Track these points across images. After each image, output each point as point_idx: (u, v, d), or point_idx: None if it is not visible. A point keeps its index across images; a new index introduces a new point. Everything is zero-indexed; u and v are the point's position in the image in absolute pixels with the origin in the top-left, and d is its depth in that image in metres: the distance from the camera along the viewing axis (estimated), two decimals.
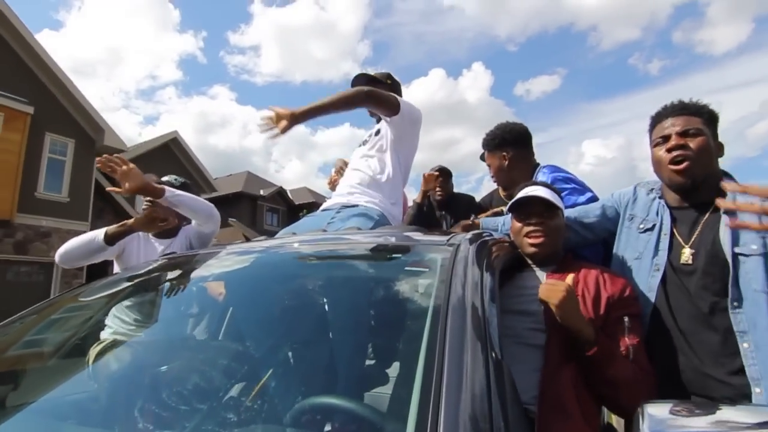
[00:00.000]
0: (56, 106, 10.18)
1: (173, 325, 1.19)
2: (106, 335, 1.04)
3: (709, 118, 1.20)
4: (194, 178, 15.38)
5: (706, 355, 1.07)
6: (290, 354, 1.00)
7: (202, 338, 1.22)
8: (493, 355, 0.65)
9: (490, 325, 0.72)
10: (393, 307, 1.01)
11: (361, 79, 2.07)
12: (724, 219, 1.10)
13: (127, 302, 1.22)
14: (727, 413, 0.65)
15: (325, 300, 1.16)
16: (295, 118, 1.64)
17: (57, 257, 1.82)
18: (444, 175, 3.00)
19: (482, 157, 1.94)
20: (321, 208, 2.11)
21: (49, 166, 9.98)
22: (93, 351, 0.94)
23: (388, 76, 2.15)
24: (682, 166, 1.15)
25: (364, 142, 2.13)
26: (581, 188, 1.57)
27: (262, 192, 20.37)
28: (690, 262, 1.12)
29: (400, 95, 2.09)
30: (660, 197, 1.26)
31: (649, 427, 0.59)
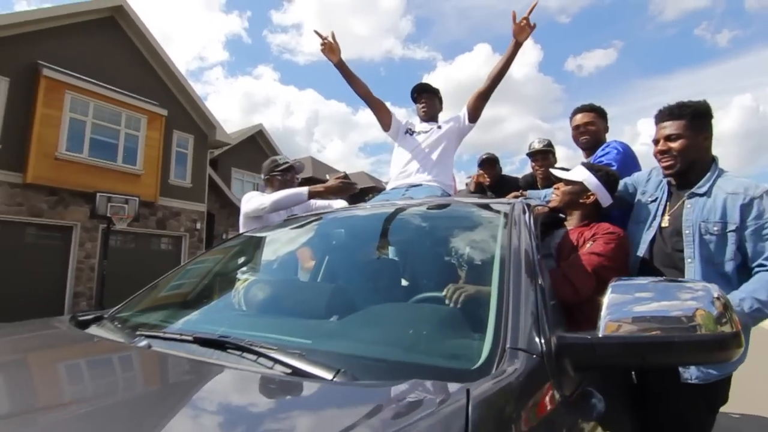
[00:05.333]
0: (180, 108, 12.34)
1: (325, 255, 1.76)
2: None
3: (692, 116, 1.54)
4: None
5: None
6: (414, 269, 1.46)
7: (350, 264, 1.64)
8: (538, 270, 1.02)
9: (536, 255, 1.08)
10: (476, 241, 1.37)
11: (423, 87, 2.77)
12: (687, 198, 1.54)
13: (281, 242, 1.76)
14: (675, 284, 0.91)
15: (432, 237, 1.59)
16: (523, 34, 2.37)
17: (270, 205, 2.31)
18: (490, 162, 3.53)
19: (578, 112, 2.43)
20: (389, 187, 2.67)
21: (177, 157, 12.20)
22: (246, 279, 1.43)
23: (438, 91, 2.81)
24: (665, 165, 1.59)
25: (418, 133, 2.67)
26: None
27: (327, 176, 22.21)
28: (667, 224, 1.58)
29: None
30: (665, 178, 1.65)
31: (612, 289, 0.83)
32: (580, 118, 2.42)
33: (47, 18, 9.67)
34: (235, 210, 14.55)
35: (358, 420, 0.58)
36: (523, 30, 2.38)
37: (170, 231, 11.90)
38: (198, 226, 12.52)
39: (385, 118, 2.77)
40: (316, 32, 2.54)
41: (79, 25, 10.30)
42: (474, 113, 2.62)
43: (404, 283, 1.43)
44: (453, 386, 0.66)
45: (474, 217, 1.59)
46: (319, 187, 2.36)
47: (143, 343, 1.02)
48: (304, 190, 2.34)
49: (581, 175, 1.71)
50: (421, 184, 2.46)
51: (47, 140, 9.29)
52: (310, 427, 0.60)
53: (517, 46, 2.42)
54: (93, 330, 1.24)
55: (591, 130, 2.38)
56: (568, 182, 1.74)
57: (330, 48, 2.55)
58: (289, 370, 0.79)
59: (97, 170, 9.99)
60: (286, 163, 2.70)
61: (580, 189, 1.69)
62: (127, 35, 11.31)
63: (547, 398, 0.79)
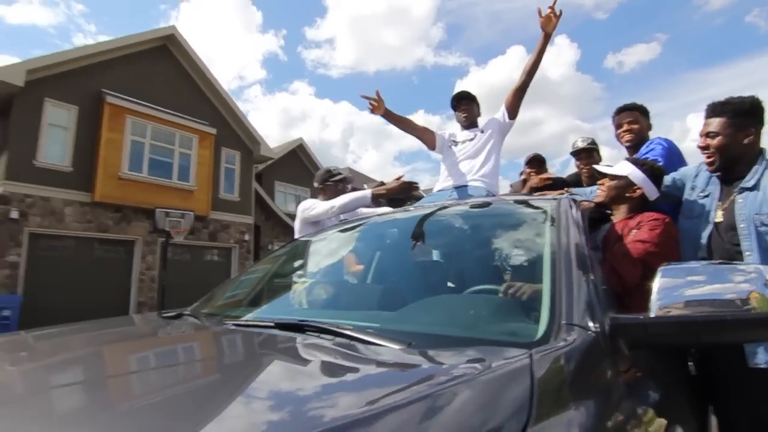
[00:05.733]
0: (227, 127, 13.05)
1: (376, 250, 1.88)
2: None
3: (733, 114, 1.58)
4: None
5: None
6: (466, 264, 1.49)
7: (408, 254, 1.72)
8: (588, 258, 1.05)
9: (585, 245, 1.12)
10: (525, 234, 1.42)
11: (462, 94, 2.87)
12: (738, 192, 1.57)
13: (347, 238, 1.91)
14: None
15: (482, 233, 1.64)
16: (549, 33, 2.45)
17: (338, 208, 2.47)
18: (538, 161, 3.45)
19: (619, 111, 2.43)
20: (436, 189, 2.75)
21: (225, 173, 12.87)
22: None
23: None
24: (706, 162, 1.67)
25: (462, 142, 2.75)
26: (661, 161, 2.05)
27: (365, 186, 22.59)
28: (721, 219, 1.60)
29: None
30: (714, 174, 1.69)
31: (662, 274, 0.86)
32: (622, 117, 2.44)
33: (108, 50, 10.61)
34: (280, 222, 15.09)
35: (433, 372, 0.68)
36: (549, 20, 2.44)
37: (221, 243, 12.53)
38: (246, 237, 13.09)
39: (430, 140, 2.90)
40: (363, 96, 2.73)
41: (136, 54, 11.20)
42: (512, 109, 2.69)
43: (457, 277, 1.50)
44: (516, 350, 0.74)
45: (522, 213, 1.63)
46: (381, 189, 2.51)
47: (231, 329, 1.17)
48: (368, 192, 2.50)
49: (626, 169, 1.74)
50: (466, 185, 2.55)
51: (111, 162, 10.12)
52: (394, 378, 0.71)
53: (546, 37, 2.49)
54: (182, 321, 1.41)
55: (634, 128, 2.39)
56: (613, 177, 1.77)
57: (377, 106, 2.72)
58: (363, 346, 0.89)
59: (155, 188, 10.75)
60: (340, 174, 2.88)
61: (626, 183, 1.72)
62: (178, 60, 12.15)
63: (604, 372, 0.83)
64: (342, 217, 2.67)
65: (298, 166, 17.51)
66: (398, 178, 2.54)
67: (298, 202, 17.36)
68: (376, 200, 2.51)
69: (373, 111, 2.75)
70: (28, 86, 9.13)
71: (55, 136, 9.68)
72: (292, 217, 15.47)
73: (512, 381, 0.65)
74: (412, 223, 1.84)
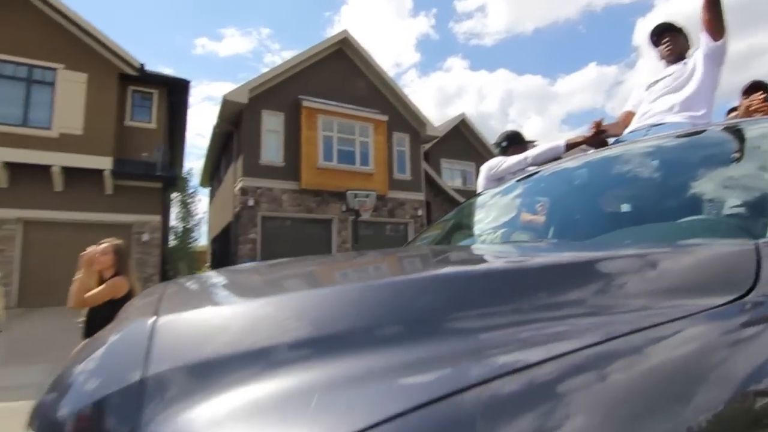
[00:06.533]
0: (396, 112, 14.21)
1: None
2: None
3: None
4: (479, 152, 17.97)
5: None
6: (677, 194, 1.30)
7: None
8: None
9: None
10: (753, 156, 1.25)
11: (664, 26, 2.49)
12: None
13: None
14: None
15: (694, 161, 1.42)
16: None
17: (532, 159, 2.46)
18: (761, 89, 2.93)
19: None
20: (627, 131, 2.41)
21: (398, 155, 14.10)
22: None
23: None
24: None
25: (662, 78, 2.40)
26: None
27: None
28: None
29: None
30: None
31: None
32: None
33: (299, 62, 12.72)
34: (448, 197, 15.75)
35: (658, 241, 0.91)
36: None
37: (398, 219, 13.88)
38: (419, 213, 14.16)
39: (632, 120, 2.67)
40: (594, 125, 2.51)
41: (319, 61, 13.12)
42: (712, 27, 2.24)
43: (667, 209, 1.35)
44: (739, 241, 0.82)
45: (744, 135, 1.41)
46: (578, 138, 2.45)
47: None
48: (561, 142, 2.46)
49: None
50: (663, 123, 2.23)
51: (310, 155, 12.24)
52: (617, 250, 0.95)
53: None
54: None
55: None
56: None
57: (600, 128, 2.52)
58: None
59: (343, 174, 12.56)
60: (531, 141, 3.03)
61: None
62: (351, 59, 13.72)
63: None
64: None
65: (461, 141, 17.86)
66: (595, 126, 2.42)
67: (463, 178, 18.02)
68: (570, 149, 2.38)
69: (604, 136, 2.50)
70: (250, 102, 11.73)
71: (271, 139, 12.19)
72: (460, 192, 16.14)
73: (737, 257, 0.70)
74: (608, 162, 1.73)
